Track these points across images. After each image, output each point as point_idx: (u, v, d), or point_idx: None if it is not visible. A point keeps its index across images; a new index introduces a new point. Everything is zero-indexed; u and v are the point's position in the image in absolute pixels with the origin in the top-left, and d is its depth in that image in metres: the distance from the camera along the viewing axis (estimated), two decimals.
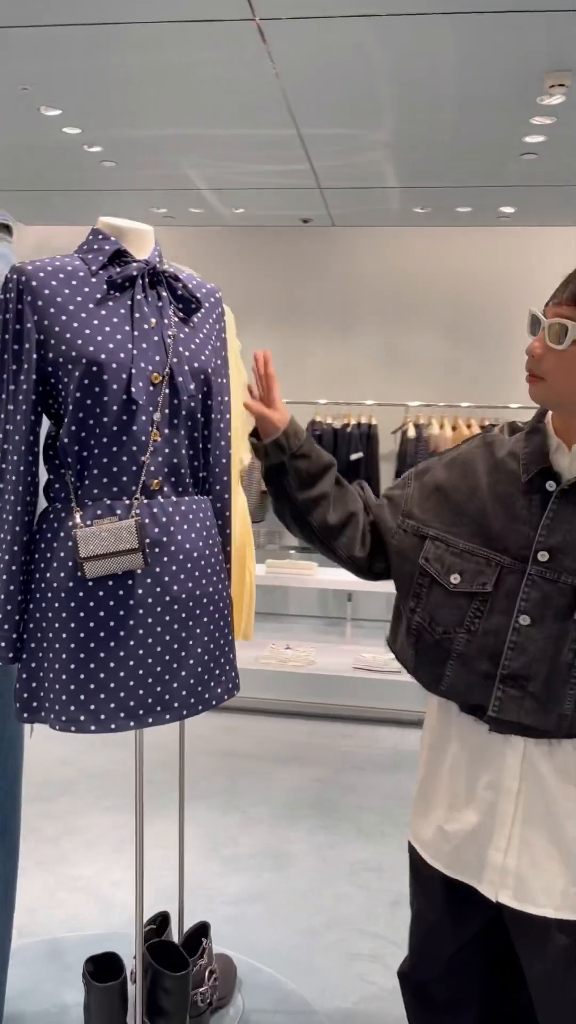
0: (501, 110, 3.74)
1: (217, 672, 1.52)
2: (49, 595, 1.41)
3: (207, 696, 1.49)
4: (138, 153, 4.48)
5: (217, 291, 1.61)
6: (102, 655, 1.39)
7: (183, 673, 1.45)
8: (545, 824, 1.38)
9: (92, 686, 1.38)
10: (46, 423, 1.47)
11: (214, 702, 1.51)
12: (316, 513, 1.53)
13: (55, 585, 1.40)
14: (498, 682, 1.37)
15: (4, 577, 1.42)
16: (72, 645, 1.39)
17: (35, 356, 1.39)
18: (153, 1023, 1.60)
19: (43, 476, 1.48)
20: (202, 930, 2.14)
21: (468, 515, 1.44)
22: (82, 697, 1.38)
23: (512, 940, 1.46)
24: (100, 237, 1.47)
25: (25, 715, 1.44)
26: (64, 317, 1.38)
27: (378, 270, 6.33)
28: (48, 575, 1.41)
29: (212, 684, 1.51)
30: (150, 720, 1.42)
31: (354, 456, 6.01)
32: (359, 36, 3.06)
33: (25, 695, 1.44)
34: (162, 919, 2.19)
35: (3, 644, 1.43)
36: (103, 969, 1.57)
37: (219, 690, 1.52)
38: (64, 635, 1.39)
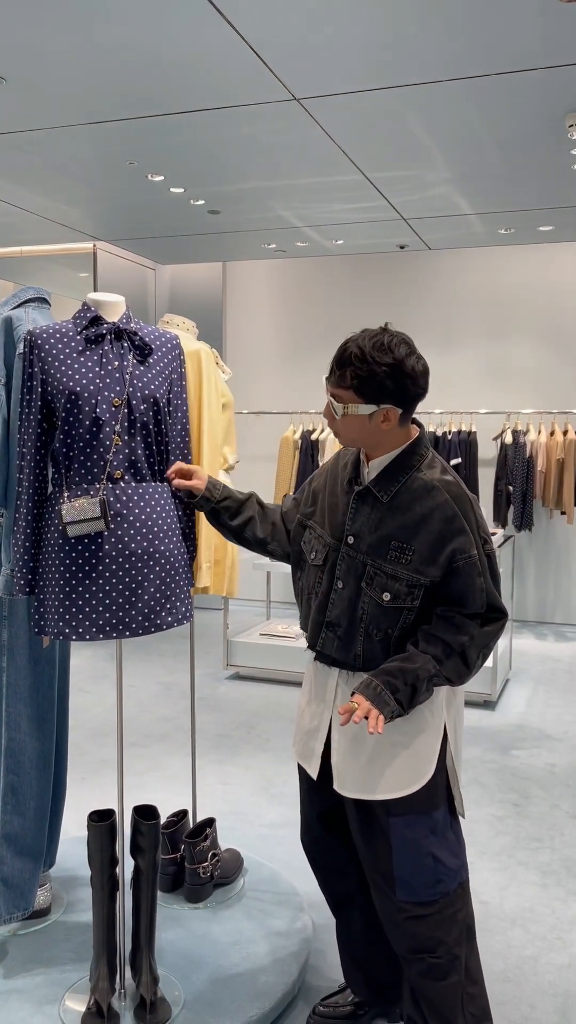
0: (539, 146, 4.14)
1: (168, 607, 2.15)
2: (49, 548, 2.10)
3: (158, 622, 2.13)
4: (234, 202, 5.21)
5: (175, 339, 2.26)
6: (80, 589, 2.06)
7: (139, 605, 2.09)
8: (352, 729, 1.92)
9: (74, 610, 2.06)
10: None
11: (164, 627, 2.14)
12: (248, 531, 2.13)
13: (51, 541, 2.09)
14: (323, 627, 1.95)
15: (22, 538, 2.13)
16: (61, 582, 2.07)
17: (40, 389, 2.09)
18: (134, 857, 2.26)
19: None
20: (208, 823, 2.78)
21: (322, 509, 2.02)
22: (67, 617, 2.06)
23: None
24: (85, 308, 2.15)
25: (36, 629, 2.14)
26: (56, 363, 2.08)
27: (475, 287, 6.72)
28: (48, 535, 2.11)
29: (164, 615, 2.14)
30: (114, 635, 2.07)
31: (453, 462, 6.44)
32: (387, 103, 3.60)
33: (36, 616, 2.14)
34: (183, 813, 2.85)
35: (23, 582, 2.14)
36: (102, 819, 2.25)
37: (169, 618, 2.15)
38: (56, 575, 2.08)
